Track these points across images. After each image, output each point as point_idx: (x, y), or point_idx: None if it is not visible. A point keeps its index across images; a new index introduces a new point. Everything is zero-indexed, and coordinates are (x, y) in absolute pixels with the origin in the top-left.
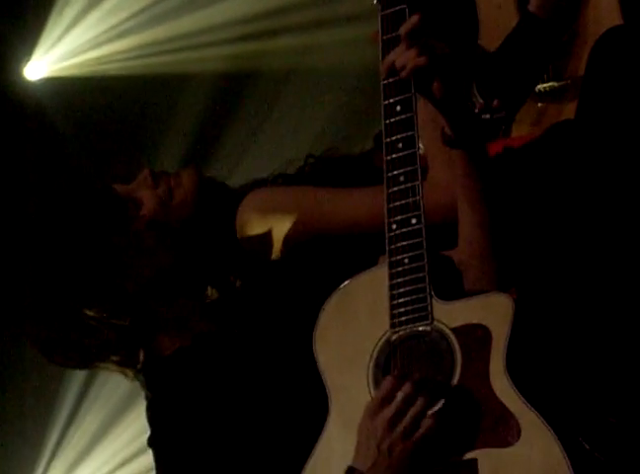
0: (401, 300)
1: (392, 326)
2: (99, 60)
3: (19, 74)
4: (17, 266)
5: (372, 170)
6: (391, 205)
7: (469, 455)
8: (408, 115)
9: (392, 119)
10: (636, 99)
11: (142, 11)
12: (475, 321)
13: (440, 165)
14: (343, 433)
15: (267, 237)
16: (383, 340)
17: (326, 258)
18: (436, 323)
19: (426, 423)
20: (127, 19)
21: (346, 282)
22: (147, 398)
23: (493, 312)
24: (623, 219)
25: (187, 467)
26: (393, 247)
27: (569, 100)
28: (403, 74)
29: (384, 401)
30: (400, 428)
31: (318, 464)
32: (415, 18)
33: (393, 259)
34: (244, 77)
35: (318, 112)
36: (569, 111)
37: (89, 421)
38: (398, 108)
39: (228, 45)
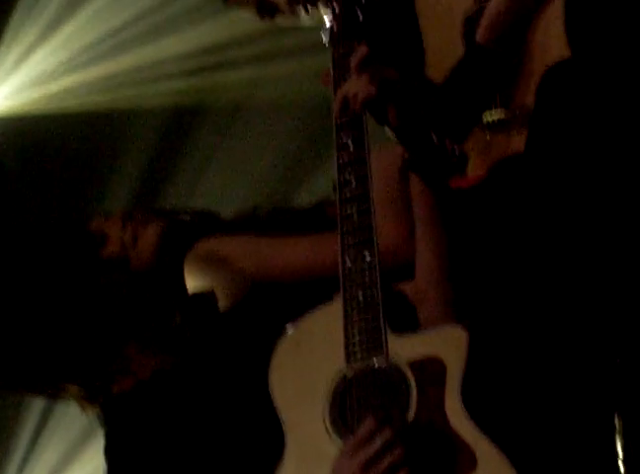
0: (356, 335)
1: (347, 361)
2: (47, 97)
3: None
4: None
5: (324, 220)
6: (345, 242)
7: None
8: (360, 152)
9: (345, 157)
10: (585, 134)
11: (90, 47)
12: (430, 354)
13: (390, 218)
14: (299, 468)
15: (214, 285)
16: (338, 375)
17: (277, 301)
18: (391, 357)
19: (402, 471)
20: (75, 55)
21: (301, 318)
22: (105, 434)
23: (448, 345)
24: (576, 251)
25: None
26: (347, 283)
27: (517, 129)
28: (356, 106)
29: (363, 442)
30: (376, 471)
31: None
32: (363, 49)
33: (347, 294)
34: (193, 111)
35: (269, 144)
36: (517, 140)
37: (45, 458)
38: (350, 145)
39: (177, 80)
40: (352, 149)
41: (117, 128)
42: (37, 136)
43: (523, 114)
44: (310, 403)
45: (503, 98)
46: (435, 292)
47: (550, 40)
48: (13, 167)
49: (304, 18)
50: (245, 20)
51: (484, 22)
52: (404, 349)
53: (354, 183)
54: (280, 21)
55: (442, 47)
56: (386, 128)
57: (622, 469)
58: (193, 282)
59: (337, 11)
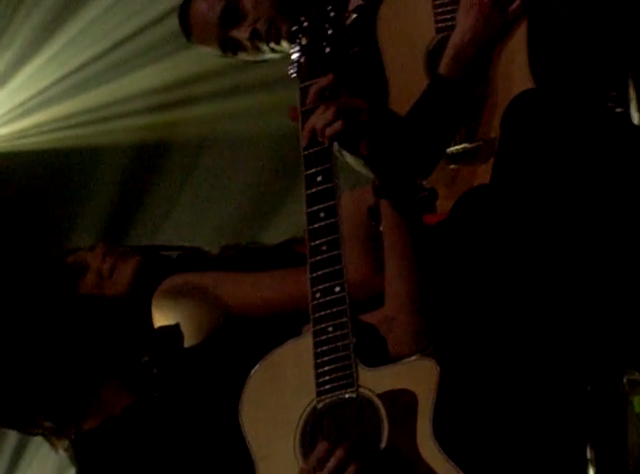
0: (326, 368)
1: (318, 394)
2: (13, 134)
3: None
4: None
5: (293, 256)
6: (314, 274)
7: None
8: (329, 184)
9: (313, 189)
10: (550, 165)
11: (55, 84)
12: (401, 386)
13: (359, 251)
14: None
15: (180, 321)
16: (309, 408)
17: (246, 338)
18: (361, 390)
19: None
20: (40, 93)
21: (271, 352)
22: (77, 472)
23: (418, 377)
24: (542, 282)
25: None
26: (317, 315)
27: (482, 161)
28: (325, 142)
29: (318, 464)
30: None
31: None
32: (329, 77)
33: (317, 327)
34: (159, 147)
35: (235, 178)
36: (482, 172)
37: None
38: (319, 178)
39: (141, 116)
40: (320, 182)
41: (83, 165)
42: (2, 173)
43: (488, 145)
44: (281, 436)
45: (467, 129)
46: (402, 319)
47: (513, 71)
48: None
49: (267, 53)
50: (208, 55)
51: (447, 53)
52: (374, 381)
53: (323, 215)
54: (244, 57)
55: (406, 81)
56: (351, 160)
57: None
58: (161, 318)
59: (304, 45)
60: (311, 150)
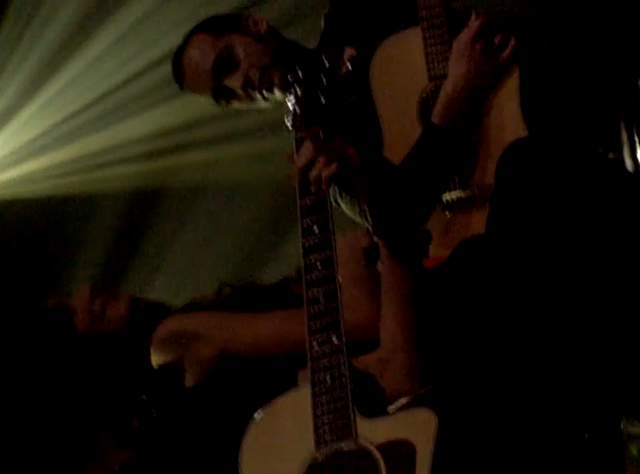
0: (325, 419)
1: (317, 445)
2: (6, 183)
3: None
4: None
5: (290, 296)
6: (312, 324)
7: None
8: (325, 234)
9: (310, 241)
10: (545, 214)
11: (49, 132)
12: (399, 437)
13: (356, 295)
14: None
15: (179, 363)
16: (308, 459)
17: (243, 380)
18: (360, 440)
19: None
20: (34, 141)
21: (272, 401)
22: None
23: (416, 427)
24: (540, 330)
25: None
26: (315, 366)
27: (476, 209)
28: (322, 186)
29: None
30: None
31: None
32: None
33: (315, 377)
34: (154, 193)
35: (231, 224)
36: (477, 219)
37: None
38: (315, 228)
39: (136, 162)
40: (317, 232)
41: (79, 212)
42: None
43: (482, 193)
44: None
45: (461, 177)
46: (398, 360)
47: (505, 119)
48: None
49: (260, 102)
50: (202, 102)
51: (439, 102)
52: (373, 432)
53: (319, 266)
54: (236, 105)
55: (399, 129)
56: (348, 209)
57: None
58: (160, 360)
59: (299, 95)
60: (307, 199)
